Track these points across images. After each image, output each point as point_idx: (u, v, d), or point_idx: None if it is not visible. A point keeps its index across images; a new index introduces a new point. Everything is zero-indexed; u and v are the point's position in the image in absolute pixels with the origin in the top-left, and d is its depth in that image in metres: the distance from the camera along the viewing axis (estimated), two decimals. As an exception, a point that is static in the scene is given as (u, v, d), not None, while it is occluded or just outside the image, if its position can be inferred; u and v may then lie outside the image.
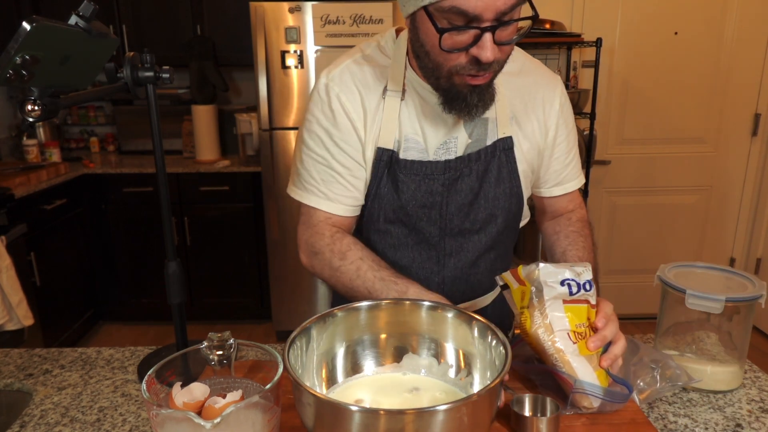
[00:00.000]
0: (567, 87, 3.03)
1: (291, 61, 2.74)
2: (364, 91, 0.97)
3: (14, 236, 2.42)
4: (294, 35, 2.71)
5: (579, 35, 2.82)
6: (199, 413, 0.63)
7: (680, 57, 3.03)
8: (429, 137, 0.97)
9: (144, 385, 0.64)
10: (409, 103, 0.97)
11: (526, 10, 0.80)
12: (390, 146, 0.97)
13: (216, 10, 3.15)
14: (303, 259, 1.04)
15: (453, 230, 1.01)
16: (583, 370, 0.80)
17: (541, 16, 2.81)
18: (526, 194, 1.06)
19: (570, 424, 0.80)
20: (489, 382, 0.63)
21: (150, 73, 0.89)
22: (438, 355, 0.82)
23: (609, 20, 3.00)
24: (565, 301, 0.81)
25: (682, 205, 3.28)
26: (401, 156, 0.97)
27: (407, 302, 0.83)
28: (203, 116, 3.19)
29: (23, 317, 2.29)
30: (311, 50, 2.74)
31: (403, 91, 0.96)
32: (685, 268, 0.99)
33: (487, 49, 0.78)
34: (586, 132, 2.84)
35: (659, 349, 0.98)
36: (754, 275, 0.94)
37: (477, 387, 0.78)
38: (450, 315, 0.81)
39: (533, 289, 0.82)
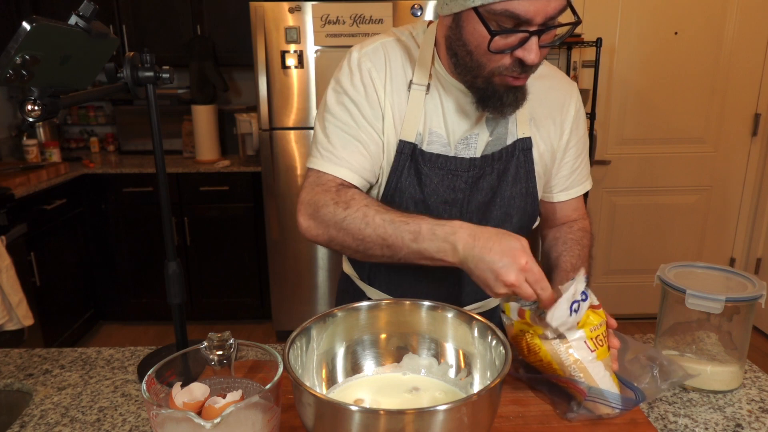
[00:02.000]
0: (567, 87, 3.03)
1: (291, 61, 2.74)
2: (393, 73, 0.97)
3: (14, 236, 2.42)
4: (294, 35, 2.71)
5: (579, 35, 2.82)
6: (199, 413, 0.63)
7: (680, 57, 3.03)
8: (452, 132, 0.98)
9: (144, 385, 0.64)
10: (434, 97, 0.97)
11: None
12: (412, 139, 0.97)
13: (216, 10, 3.14)
14: (302, 223, 0.95)
15: None
16: (601, 376, 0.80)
17: (541, 16, 2.82)
18: (540, 196, 1.06)
19: (570, 424, 0.80)
20: (489, 382, 0.63)
21: (150, 73, 0.89)
22: (438, 355, 0.82)
23: (609, 20, 3.00)
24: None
25: (682, 205, 3.28)
26: (425, 149, 0.97)
27: (407, 302, 0.83)
28: (203, 116, 3.19)
29: (23, 317, 2.29)
30: (311, 50, 2.74)
31: (428, 85, 0.97)
32: (685, 268, 1.00)
33: (532, 52, 0.80)
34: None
35: (659, 349, 0.98)
36: (754, 275, 0.94)
37: (477, 387, 0.78)
38: (450, 315, 0.81)
39: (548, 333, 0.81)
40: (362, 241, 0.88)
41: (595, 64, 2.74)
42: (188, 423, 0.58)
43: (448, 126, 0.98)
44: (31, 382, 0.96)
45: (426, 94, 0.97)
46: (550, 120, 1.04)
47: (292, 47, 2.73)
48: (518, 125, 1.00)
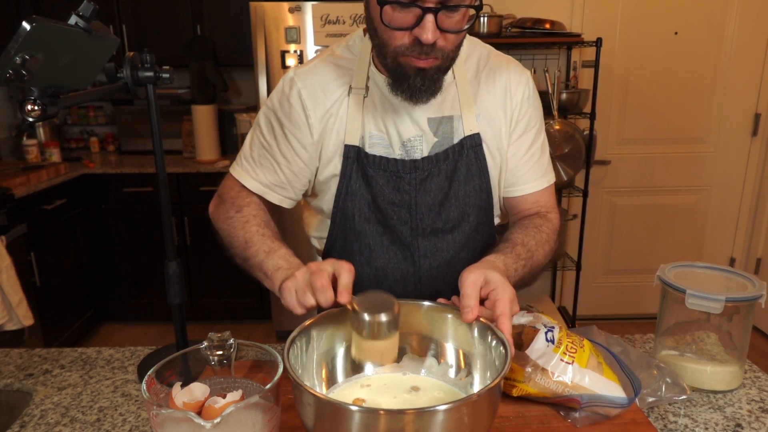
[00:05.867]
0: (567, 87, 3.03)
1: (291, 61, 2.74)
2: (329, 89, 0.99)
3: (14, 236, 2.42)
4: (294, 35, 2.71)
5: (579, 35, 2.82)
6: (199, 413, 0.63)
7: (680, 57, 3.03)
8: (392, 134, 0.99)
9: (144, 385, 0.64)
10: (372, 101, 0.99)
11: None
12: (356, 143, 0.98)
13: (216, 10, 3.14)
14: (210, 209, 1.07)
15: (425, 230, 1.02)
16: (595, 381, 0.80)
17: (541, 16, 2.81)
18: (496, 191, 1.04)
19: (571, 424, 0.80)
20: (489, 382, 0.63)
21: (150, 73, 0.89)
22: (438, 355, 0.82)
23: (609, 20, 3.00)
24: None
25: (682, 205, 3.28)
26: (368, 151, 0.99)
27: (407, 302, 0.83)
28: (203, 116, 3.19)
29: (23, 317, 2.29)
30: (311, 50, 2.73)
31: (367, 89, 0.98)
32: (685, 268, 1.00)
33: (428, 31, 0.80)
34: (586, 132, 2.84)
35: (659, 349, 0.98)
36: (754, 275, 0.94)
37: (477, 387, 0.78)
38: (450, 315, 0.81)
39: (528, 368, 0.82)
40: (234, 238, 0.97)
41: (595, 64, 2.74)
42: (188, 423, 0.58)
43: (388, 128, 0.99)
44: (31, 382, 0.96)
45: (365, 97, 0.98)
46: (501, 113, 1.02)
47: (292, 47, 2.73)
48: (464, 123, 0.99)
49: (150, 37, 3.17)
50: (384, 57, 0.88)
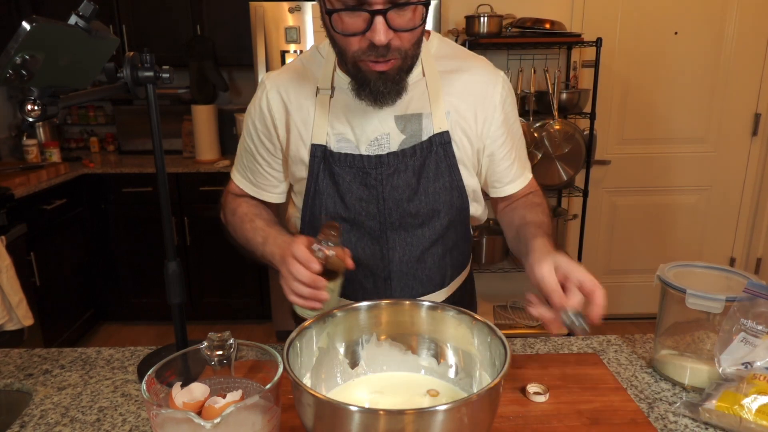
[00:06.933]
0: (567, 87, 3.03)
1: (291, 61, 2.74)
2: (295, 92, 1.02)
3: (14, 236, 2.42)
4: (294, 35, 2.71)
5: (579, 35, 2.82)
6: (199, 413, 0.63)
7: (680, 57, 3.03)
8: (358, 133, 0.99)
9: (144, 385, 0.64)
10: (338, 101, 1.00)
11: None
12: (322, 142, 1.00)
13: (216, 10, 3.14)
14: (221, 217, 1.16)
15: (393, 224, 1.02)
16: None
17: (541, 16, 2.82)
18: (470, 189, 1.05)
19: (570, 425, 0.80)
20: (489, 382, 0.63)
21: (150, 73, 0.89)
22: (438, 355, 0.82)
23: (609, 20, 3.00)
24: None
25: (682, 205, 3.28)
26: (334, 149, 1.00)
27: (407, 302, 0.83)
28: (203, 116, 3.19)
29: (23, 317, 2.29)
30: (311, 50, 2.73)
31: (333, 89, 1.00)
32: (685, 268, 0.99)
33: (379, 32, 0.80)
34: (586, 132, 2.85)
35: (659, 349, 0.98)
36: (754, 275, 0.94)
37: (477, 387, 0.78)
38: (450, 315, 0.81)
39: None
40: (239, 239, 1.07)
41: (595, 64, 2.74)
42: (188, 423, 0.58)
43: (354, 127, 0.99)
44: (31, 382, 0.96)
45: (331, 97, 1.00)
46: (472, 114, 1.01)
47: (292, 47, 2.73)
48: (434, 120, 0.99)
49: (150, 37, 3.17)
50: (345, 63, 0.89)
